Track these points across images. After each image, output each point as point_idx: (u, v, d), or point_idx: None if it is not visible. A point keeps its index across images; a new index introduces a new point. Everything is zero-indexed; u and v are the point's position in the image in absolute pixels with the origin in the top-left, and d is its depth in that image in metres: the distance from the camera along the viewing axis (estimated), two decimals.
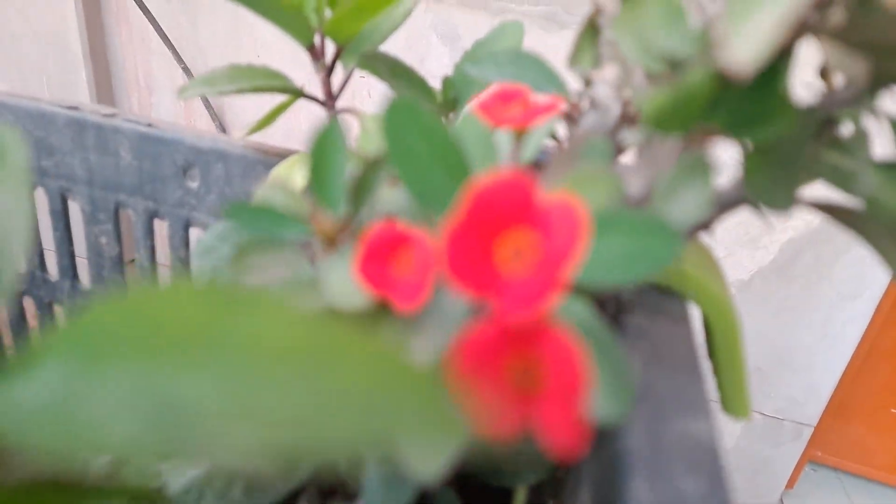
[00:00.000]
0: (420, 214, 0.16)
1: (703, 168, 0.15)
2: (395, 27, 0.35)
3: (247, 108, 1.06)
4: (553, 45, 0.97)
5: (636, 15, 0.16)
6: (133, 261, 0.45)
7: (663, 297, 0.25)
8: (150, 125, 0.42)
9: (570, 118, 0.27)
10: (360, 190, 0.17)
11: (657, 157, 0.16)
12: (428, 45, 0.99)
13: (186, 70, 1.00)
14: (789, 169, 0.17)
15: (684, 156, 0.16)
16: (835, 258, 0.97)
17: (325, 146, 0.17)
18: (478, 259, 0.11)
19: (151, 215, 0.44)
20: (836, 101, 0.19)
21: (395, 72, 0.36)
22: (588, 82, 0.26)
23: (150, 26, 0.99)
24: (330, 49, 0.34)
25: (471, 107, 0.18)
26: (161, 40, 1.00)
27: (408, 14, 0.34)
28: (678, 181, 0.15)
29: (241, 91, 0.32)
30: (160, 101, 1.10)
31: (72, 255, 0.46)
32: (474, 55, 0.38)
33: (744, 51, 0.10)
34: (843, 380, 1.05)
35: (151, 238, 0.45)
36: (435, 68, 1.01)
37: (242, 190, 0.42)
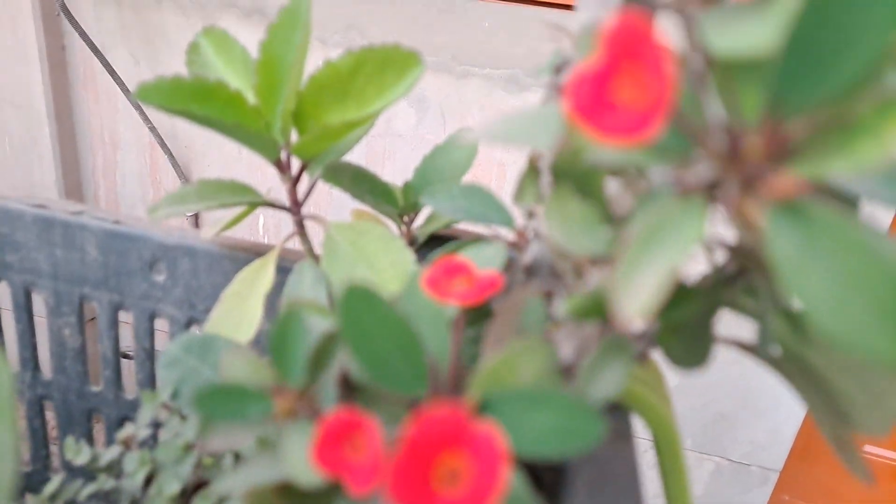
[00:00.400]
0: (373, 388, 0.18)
1: (621, 349, 0.18)
2: (358, 140, 0.37)
3: (212, 163, 1.07)
4: (515, 105, 1.01)
5: (563, 210, 0.18)
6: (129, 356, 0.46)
7: (610, 412, 0.27)
8: (117, 222, 0.43)
9: (517, 247, 0.29)
10: (318, 362, 0.18)
11: (584, 328, 0.19)
12: (395, 107, 1.02)
13: (153, 130, 1.01)
14: (700, 337, 0.19)
15: (605, 337, 0.18)
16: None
17: (286, 326, 0.18)
18: (418, 484, 0.13)
19: (116, 307, 0.45)
20: (745, 252, 0.22)
21: (357, 180, 0.38)
22: (531, 215, 0.29)
23: (118, 87, 1.00)
24: (296, 161, 0.36)
25: (419, 279, 0.20)
26: (128, 101, 1.01)
27: (370, 127, 0.36)
28: (600, 360, 0.18)
29: (209, 208, 0.33)
30: (125, 159, 1.11)
31: (33, 347, 0.47)
32: (433, 161, 0.40)
33: (631, 308, 0.13)
34: (806, 422, 1.08)
35: (115, 330, 0.46)
36: (402, 129, 1.04)
37: (209, 282, 0.44)
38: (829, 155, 0.13)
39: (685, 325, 0.19)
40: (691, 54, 0.15)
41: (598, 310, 0.16)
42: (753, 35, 0.13)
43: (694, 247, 0.14)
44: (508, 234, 0.29)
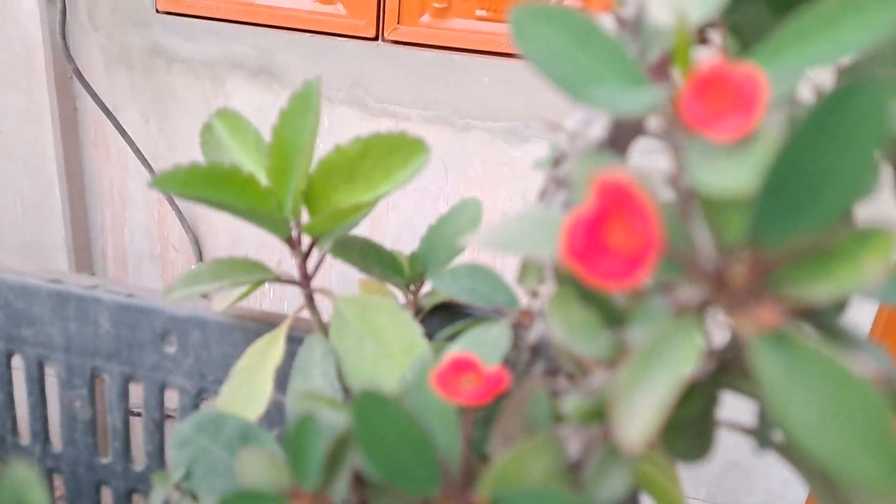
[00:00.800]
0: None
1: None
2: (365, 216, 0.39)
3: (220, 222, 1.09)
4: (516, 157, 1.04)
5: (565, 313, 0.19)
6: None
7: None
8: (130, 295, 0.44)
9: (521, 326, 0.31)
10: (333, 463, 0.19)
11: (590, 426, 0.19)
12: None
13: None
14: (703, 429, 0.20)
15: (609, 439, 0.19)
16: None
17: (302, 431, 0.19)
18: None
19: (127, 379, 0.45)
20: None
21: (364, 252, 0.39)
22: (535, 295, 0.30)
23: (128, 147, 1.03)
24: (306, 238, 0.37)
25: (429, 377, 0.21)
26: (138, 160, 1.04)
27: (376, 203, 0.38)
28: (606, 460, 0.18)
29: (222, 288, 0.35)
30: (134, 217, 1.13)
31: (45, 419, 0.47)
32: (439, 231, 0.42)
33: (632, 431, 0.13)
34: None
35: (126, 402, 0.46)
36: None
37: (219, 353, 0.45)
38: (812, 281, 0.14)
39: (688, 421, 0.19)
40: (680, 179, 0.17)
41: (601, 415, 0.17)
42: (734, 175, 0.14)
43: (693, 365, 0.15)
44: (514, 310, 0.30)
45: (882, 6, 0.15)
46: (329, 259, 0.39)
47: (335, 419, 0.21)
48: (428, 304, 0.43)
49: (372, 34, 0.99)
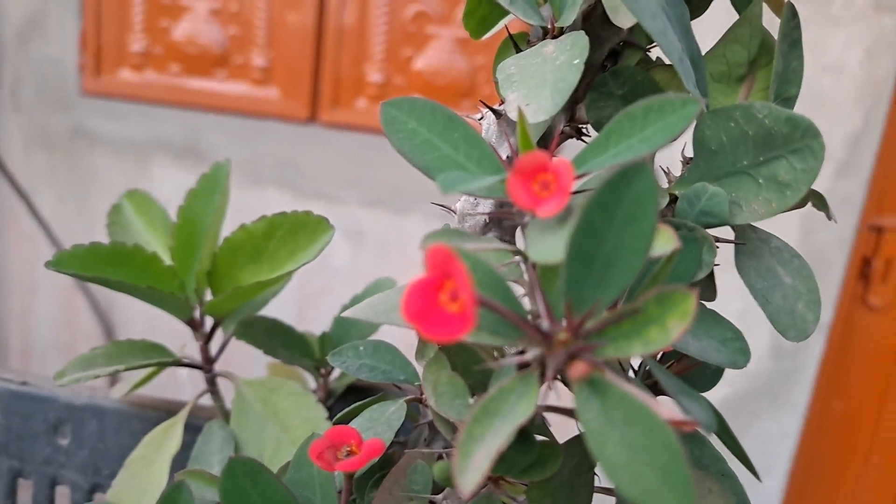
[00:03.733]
0: None
1: None
2: (274, 295, 0.40)
3: (134, 309, 1.08)
4: None
5: (435, 379, 0.21)
6: None
7: None
8: (23, 383, 0.44)
9: (420, 401, 0.32)
10: None
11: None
12: (335, 242, 1.07)
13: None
14: (577, 493, 0.22)
15: (480, 499, 0.20)
16: (742, 430, 1.05)
17: (171, 499, 0.20)
18: None
19: (15, 475, 0.44)
20: None
21: (271, 334, 0.41)
22: None
23: (41, 231, 1.02)
24: (210, 319, 0.39)
25: (306, 450, 0.22)
26: (51, 244, 1.03)
27: (285, 284, 0.40)
28: None
29: (117, 372, 0.35)
30: (41, 303, 1.10)
31: None
32: (352, 308, 0.43)
33: (468, 483, 0.15)
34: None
35: (13, 498, 0.45)
36: (338, 264, 1.08)
37: (117, 444, 0.44)
38: (628, 341, 0.17)
39: (559, 483, 0.21)
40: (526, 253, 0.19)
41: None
42: (552, 246, 0.17)
43: (525, 418, 0.17)
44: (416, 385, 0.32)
45: (674, 109, 0.18)
46: (238, 350, 0.41)
47: (212, 495, 0.22)
48: (339, 387, 0.44)
49: (306, 116, 1.04)
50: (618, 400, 0.16)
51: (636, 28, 0.28)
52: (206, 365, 0.39)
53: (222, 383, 0.41)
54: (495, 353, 0.21)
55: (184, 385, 1.02)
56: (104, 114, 1.06)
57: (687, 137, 0.30)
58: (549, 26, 0.26)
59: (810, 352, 1.01)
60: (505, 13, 0.27)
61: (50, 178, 1.08)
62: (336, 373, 0.44)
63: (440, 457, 0.25)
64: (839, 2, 0.90)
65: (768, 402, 1.04)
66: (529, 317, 0.19)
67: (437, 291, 0.16)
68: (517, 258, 0.21)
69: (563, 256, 0.17)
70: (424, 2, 0.99)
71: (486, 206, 0.30)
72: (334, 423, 0.35)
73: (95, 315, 1.05)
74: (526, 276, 0.20)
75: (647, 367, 0.25)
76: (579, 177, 0.19)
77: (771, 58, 0.28)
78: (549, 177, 0.18)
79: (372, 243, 1.09)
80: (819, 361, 1.02)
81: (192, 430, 0.39)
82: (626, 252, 0.16)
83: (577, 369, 0.16)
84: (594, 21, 0.27)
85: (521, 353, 0.19)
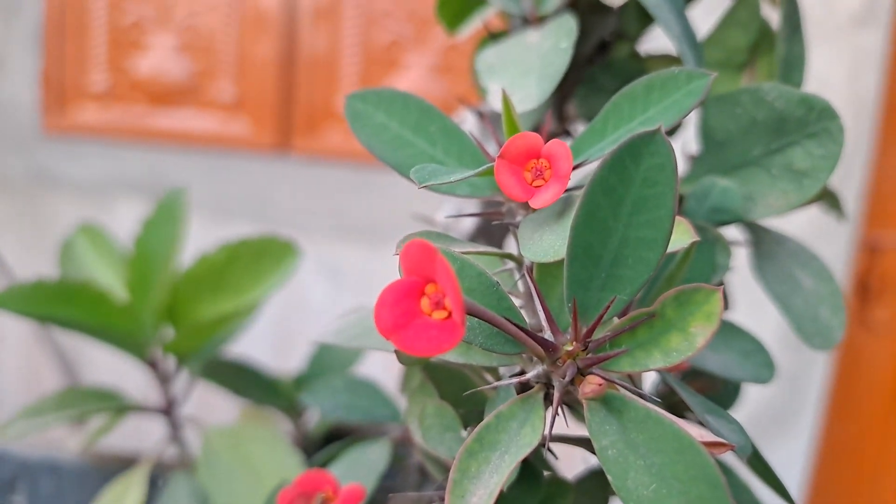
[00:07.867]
0: None
1: None
2: (241, 330, 0.38)
3: (101, 359, 1.04)
4: None
5: (421, 407, 0.19)
6: None
7: None
8: None
9: (405, 443, 0.30)
10: None
11: None
12: (309, 280, 1.04)
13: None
14: None
15: None
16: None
17: None
18: None
19: None
20: None
21: (240, 375, 0.38)
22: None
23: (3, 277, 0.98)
24: (172, 359, 0.36)
25: (273, 502, 0.19)
26: None
27: (252, 317, 0.37)
28: None
29: (70, 420, 0.32)
30: (4, 356, 1.06)
31: None
32: (328, 348, 0.41)
33: None
34: None
35: None
36: (316, 302, 1.05)
37: (74, 501, 0.41)
38: (645, 351, 0.15)
39: None
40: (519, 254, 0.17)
41: None
42: (548, 245, 0.15)
43: (529, 450, 0.15)
44: (398, 424, 0.29)
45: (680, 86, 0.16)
46: (209, 394, 0.38)
47: None
48: (321, 429, 0.41)
49: (277, 148, 1.02)
50: (640, 420, 0.14)
51: (625, 17, 0.27)
52: (168, 410, 0.36)
53: (192, 428, 0.38)
54: (489, 377, 0.19)
55: (150, 434, 0.97)
56: (66, 154, 1.03)
57: (687, 135, 0.28)
58: (528, 16, 0.24)
59: (810, 373, 0.99)
60: (481, 3, 0.26)
61: (10, 223, 1.04)
62: (315, 415, 0.41)
63: (431, 501, 0.22)
64: (818, 18, 0.90)
65: (773, 426, 1.01)
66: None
67: (418, 297, 0.14)
68: (510, 264, 0.18)
69: (563, 255, 0.14)
70: (397, 31, 0.99)
71: (471, 208, 0.27)
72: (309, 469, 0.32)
73: (61, 368, 1.01)
74: (521, 286, 0.18)
75: (661, 387, 0.22)
76: (575, 167, 0.17)
77: (771, 44, 0.26)
78: (543, 163, 0.15)
79: (351, 280, 1.06)
80: (821, 384, 1.00)
81: (158, 481, 0.36)
82: (639, 245, 0.14)
83: (591, 385, 0.14)
84: (581, 9, 0.25)
85: (521, 374, 0.16)
